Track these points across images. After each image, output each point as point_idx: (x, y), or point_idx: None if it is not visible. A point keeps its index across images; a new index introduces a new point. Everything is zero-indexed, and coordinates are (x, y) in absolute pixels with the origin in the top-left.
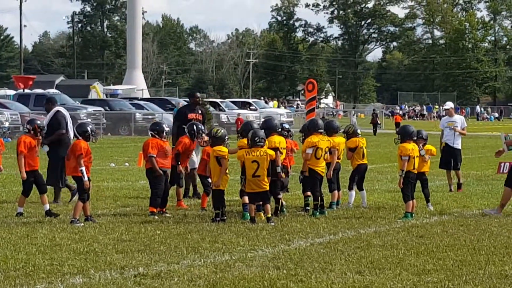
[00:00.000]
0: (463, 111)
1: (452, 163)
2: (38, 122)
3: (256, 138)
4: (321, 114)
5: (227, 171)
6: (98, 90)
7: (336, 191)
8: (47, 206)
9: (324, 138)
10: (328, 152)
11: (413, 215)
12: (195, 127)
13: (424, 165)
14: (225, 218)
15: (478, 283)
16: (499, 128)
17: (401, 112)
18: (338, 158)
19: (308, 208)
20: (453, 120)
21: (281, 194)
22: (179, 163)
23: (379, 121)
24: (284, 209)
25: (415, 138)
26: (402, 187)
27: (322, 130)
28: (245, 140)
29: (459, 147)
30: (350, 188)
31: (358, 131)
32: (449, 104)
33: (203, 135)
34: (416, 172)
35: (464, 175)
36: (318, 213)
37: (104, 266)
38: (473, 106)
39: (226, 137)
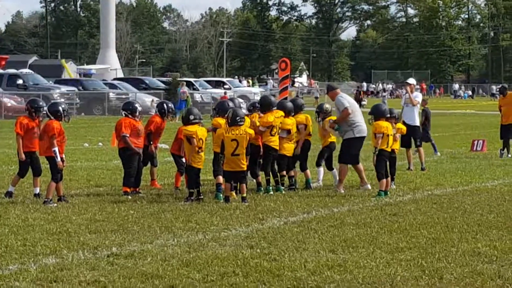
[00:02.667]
0: (442, 89)
1: (412, 141)
2: (40, 103)
3: (237, 117)
4: (294, 93)
5: (201, 149)
6: (66, 66)
7: (307, 170)
8: (37, 190)
9: (277, 115)
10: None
11: (387, 193)
12: (165, 106)
13: (395, 143)
14: (202, 197)
15: (451, 261)
16: (473, 105)
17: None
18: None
19: (293, 186)
20: (413, 96)
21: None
22: (151, 142)
23: (363, 98)
24: (261, 188)
25: (388, 116)
26: (375, 165)
27: (275, 108)
28: (219, 119)
29: (416, 124)
30: (318, 165)
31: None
32: (411, 80)
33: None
34: (390, 150)
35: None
36: (271, 190)
37: (77, 247)
38: (446, 84)
39: (191, 116)
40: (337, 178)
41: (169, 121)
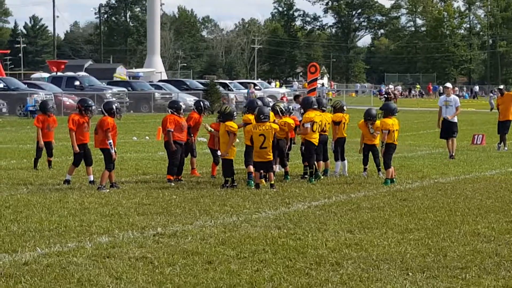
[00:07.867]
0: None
1: (450, 133)
2: (89, 103)
3: (261, 115)
4: (317, 93)
5: (234, 143)
6: (120, 77)
7: (328, 161)
8: (91, 177)
9: (318, 113)
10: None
11: (394, 180)
12: (201, 104)
13: (374, 140)
14: (236, 184)
15: (454, 240)
16: (473, 104)
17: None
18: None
19: (307, 176)
20: (449, 99)
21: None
22: (191, 135)
23: (393, 97)
24: (288, 177)
25: (396, 114)
26: (383, 156)
27: (316, 106)
28: (249, 115)
29: (455, 121)
30: (337, 159)
31: (344, 107)
32: (448, 85)
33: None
34: (396, 143)
35: (442, 145)
36: (313, 179)
37: (127, 227)
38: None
39: (235, 113)
40: (346, 168)
41: (205, 117)
